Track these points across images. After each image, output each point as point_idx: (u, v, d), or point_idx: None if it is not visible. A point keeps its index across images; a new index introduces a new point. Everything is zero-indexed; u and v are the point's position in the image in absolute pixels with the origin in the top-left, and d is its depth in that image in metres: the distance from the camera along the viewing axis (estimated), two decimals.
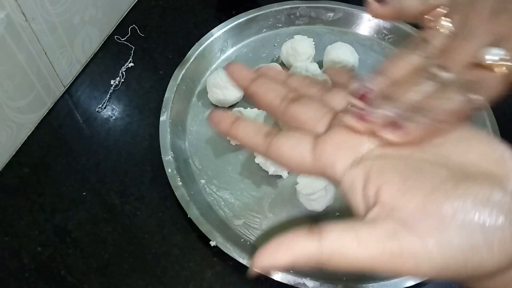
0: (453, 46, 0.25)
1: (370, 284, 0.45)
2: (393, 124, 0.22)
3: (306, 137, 0.25)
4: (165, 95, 0.56)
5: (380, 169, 0.22)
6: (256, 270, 0.22)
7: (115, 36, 0.64)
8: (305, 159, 0.25)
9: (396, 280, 0.45)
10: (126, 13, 0.67)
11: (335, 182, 0.24)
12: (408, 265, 0.20)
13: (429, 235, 0.20)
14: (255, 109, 0.54)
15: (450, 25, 0.26)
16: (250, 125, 0.27)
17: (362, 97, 0.24)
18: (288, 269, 0.35)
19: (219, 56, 0.63)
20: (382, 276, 0.46)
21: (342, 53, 0.59)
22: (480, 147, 0.22)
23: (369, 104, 0.23)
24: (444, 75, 0.24)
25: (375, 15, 0.30)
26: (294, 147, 0.25)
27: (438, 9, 0.27)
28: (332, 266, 0.21)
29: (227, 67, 0.29)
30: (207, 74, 0.61)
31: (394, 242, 0.20)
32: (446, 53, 0.25)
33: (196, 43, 0.61)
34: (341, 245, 0.21)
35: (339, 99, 0.27)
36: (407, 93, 0.23)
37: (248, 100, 0.57)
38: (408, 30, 0.63)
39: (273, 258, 0.21)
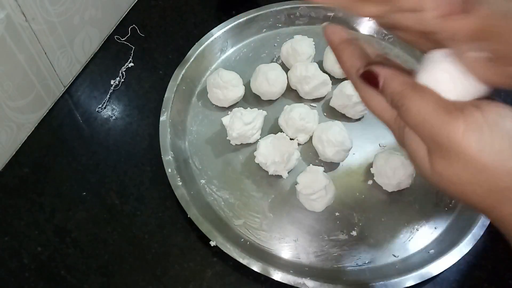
0: None
1: (370, 284, 0.45)
2: None
3: None
4: (165, 95, 0.56)
5: None
6: None
7: (115, 36, 0.64)
8: None
9: (396, 280, 0.45)
10: (126, 13, 0.67)
11: None
12: None
13: None
14: (255, 109, 0.54)
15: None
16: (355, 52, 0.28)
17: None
18: None
19: (219, 56, 0.63)
20: (382, 276, 0.46)
21: None
22: None
23: None
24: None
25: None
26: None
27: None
28: None
29: (326, 27, 0.29)
30: (207, 74, 0.61)
31: None
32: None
33: (196, 43, 0.61)
34: None
35: None
36: None
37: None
38: None
39: None
